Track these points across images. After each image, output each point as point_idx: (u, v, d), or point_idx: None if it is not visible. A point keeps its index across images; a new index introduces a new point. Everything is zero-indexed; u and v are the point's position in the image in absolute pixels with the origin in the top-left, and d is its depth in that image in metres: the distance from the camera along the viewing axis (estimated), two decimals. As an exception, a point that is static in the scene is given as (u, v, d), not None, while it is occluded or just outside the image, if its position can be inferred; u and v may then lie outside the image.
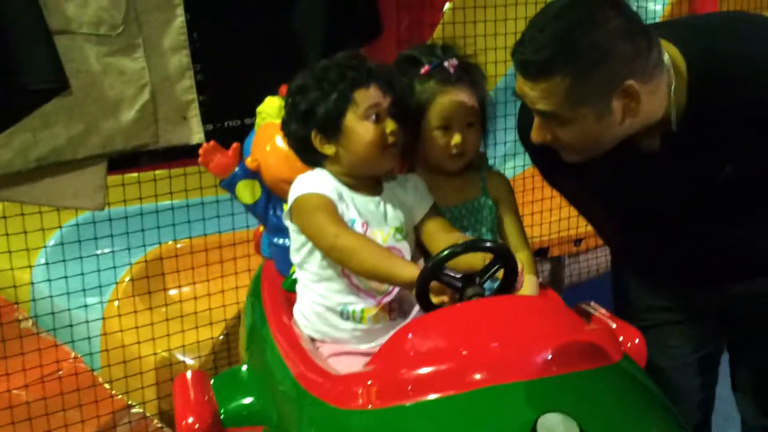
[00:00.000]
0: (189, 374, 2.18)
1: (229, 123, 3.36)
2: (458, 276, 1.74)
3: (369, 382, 1.60)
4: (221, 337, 3.11)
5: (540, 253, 3.80)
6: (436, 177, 2.09)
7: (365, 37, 3.24)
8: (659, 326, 2.19)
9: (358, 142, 1.91)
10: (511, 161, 3.74)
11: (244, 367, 2.24)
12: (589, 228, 3.41)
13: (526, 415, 1.42)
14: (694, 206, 1.93)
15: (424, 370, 1.55)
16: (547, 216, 3.70)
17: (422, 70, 2.01)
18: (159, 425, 3.07)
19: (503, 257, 1.76)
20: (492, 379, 1.51)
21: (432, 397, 1.52)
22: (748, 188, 1.88)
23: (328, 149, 1.94)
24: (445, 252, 1.72)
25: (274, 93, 2.37)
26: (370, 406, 1.57)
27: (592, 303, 2.22)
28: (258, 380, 2.14)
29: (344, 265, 1.88)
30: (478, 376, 1.52)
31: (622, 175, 1.93)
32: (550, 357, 1.56)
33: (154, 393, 3.04)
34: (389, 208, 1.99)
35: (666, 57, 1.76)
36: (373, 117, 1.90)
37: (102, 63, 2.47)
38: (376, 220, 1.95)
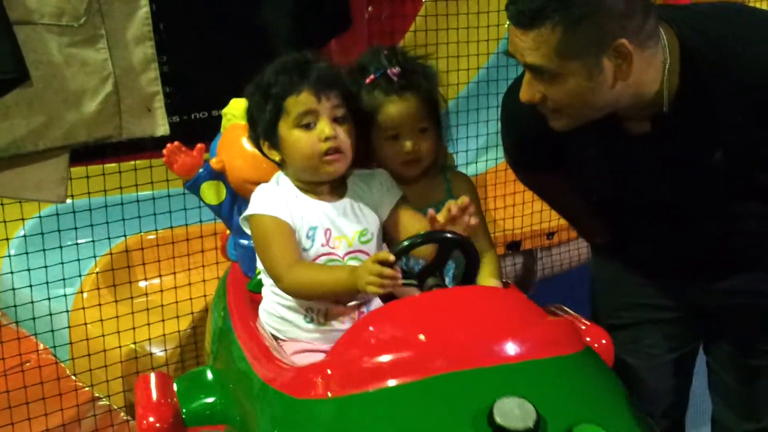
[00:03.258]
0: (152, 376, 2.16)
1: (196, 115, 3.32)
2: (416, 270, 1.74)
3: (328, 371, 1.59)
4: (188, 329, 3.09)
5: (512, 247, 3.80)
6: (398, 183, 2.04)
7: (334, 30, 3.22)
8: (637, 325, 2.18)
9: (293, 151, 1.88)
10: (484, 155, 3.73)
11: (208, 369, 2.21)
12: (562, 221, 3.42)
13: (484, 399, 1.43)
14: (682, 196, 1.91)
15: (384, 358, 1.55)
16: (520, 209, 3.70)
17: (367, 80, 1.98)
18: (125, 418, 3.06)
19: (463, 247, 1.77)
20: (451, 365, 1.52)
21: (391, 383, 1.51)
22: (737, 179, 1.86)
23: (275, 155, 1.93)
24: (405, 243, 1.74)
25: (241, 86, 2.34)
26: (329, 394, 1.55)
27: (557, 305, 2.22)
28: (221, 380, 2.12)
29: (294, 296, 1.89)
30: (437, 363, 1.52)
31: (610, 158, 1.91)
32: (508, 345, 1.56)
33: (121, 385, 3.02)
34: (352, 211, 1.94)
35: (662, 34, 1.74)
36: (307, 124, 1.86)
37: (64, 54, 2.42)
38: (338, 226, 1.92)
